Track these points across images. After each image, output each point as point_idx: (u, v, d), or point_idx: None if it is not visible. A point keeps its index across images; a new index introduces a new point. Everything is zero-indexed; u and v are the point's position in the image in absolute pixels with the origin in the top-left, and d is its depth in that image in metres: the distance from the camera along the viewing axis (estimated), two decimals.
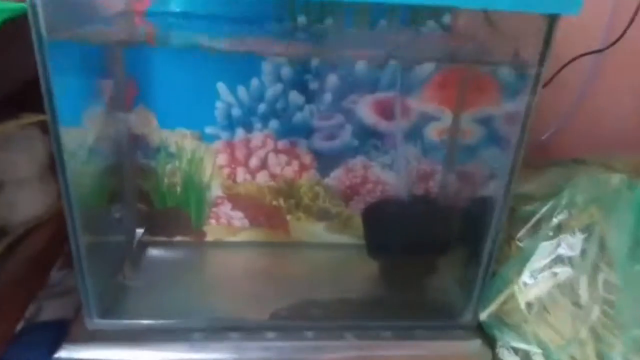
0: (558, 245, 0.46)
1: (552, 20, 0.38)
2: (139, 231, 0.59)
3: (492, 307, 0.51)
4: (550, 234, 0.47)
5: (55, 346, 0.47)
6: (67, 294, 0.57)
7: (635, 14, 0.64)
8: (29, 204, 0.55)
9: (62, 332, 0.51)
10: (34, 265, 0.54)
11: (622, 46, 0.64)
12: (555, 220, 0.48)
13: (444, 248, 0.54)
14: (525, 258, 0.50)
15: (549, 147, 0.74)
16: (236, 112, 0.54)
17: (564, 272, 0.45)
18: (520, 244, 0.51)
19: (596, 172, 0.54)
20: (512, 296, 0.50)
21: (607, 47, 0.64)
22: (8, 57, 0.46)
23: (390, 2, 0.38)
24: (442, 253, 0.54)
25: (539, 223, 0.52)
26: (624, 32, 0.64)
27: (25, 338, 0.49)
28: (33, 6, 0.34)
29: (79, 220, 0.43)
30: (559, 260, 0.46)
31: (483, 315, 0.51)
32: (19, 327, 0.52)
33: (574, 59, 0.64)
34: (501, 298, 0.50)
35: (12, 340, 0.49)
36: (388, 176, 0.58)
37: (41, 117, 0.52)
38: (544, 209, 0.51)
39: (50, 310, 0.54)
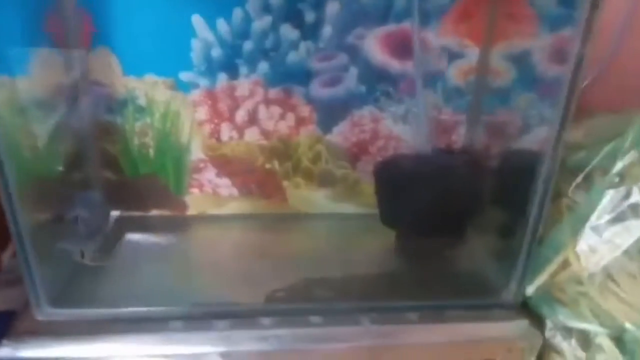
0: (627, 193, 0.37)
1: None
2: (107, 205, 0.50)
3: (541, 280, 0.41)
4: (616, 180, 0.38)
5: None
6: (19, 282, 0.48)
7: None
8: None
9: (11, 324, 0.41)
10: None
11: None
12: (620, 164, 0.38)
13: (475, 211, 0.45)
14: (581, 217, 0.40)
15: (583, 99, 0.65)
16: (217, 52, 0.44)
17: (637, 227, 0.36)
18: (573, 201, 0.42)
19: None
20: (566, 265, 0.41)
21: None
22: None
23: None
24: (474, 217, 0.45)
25: (591, 174, 0.43)
26: None
27: None
28: None
29: (17, 191, 0.34)
30: (629, 214, 0.37)
31: (529, 290, 0.41)
32: None
33: None
34: (552, 267, 0.41)
35: None
36: (403, 130, 0.48)
37: None
38: (600, 156, 0.42)
39: None
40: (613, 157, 0.40)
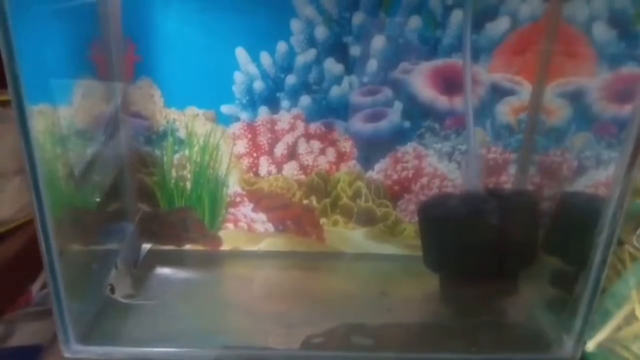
0: None
1: None
2: (140, 238, 0.50)
3: (602, 335, 0.38)
4: None
5: None
6: (47, 315, 0.48)
7: None
8: (5, 203, 0.47)
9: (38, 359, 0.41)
10: (6, 278, 0.45)
11: None
12: None
13: (528, 257, 0.42)
14: None
15: None
16: (259, 85, 0.44)
17: None
18: (637, 249, 0.40)
19: None
20: (631, 320, 0.38)
21: None
22: None
23: None
24: (526, 264, 0.43)
25: None
26: None
27: None
28: None
29: (52, 222, 0.34)
30: None
31: (589, 346, 0.39)
32: None
33: None
34: (615, 322, 0.38)
35: None
36: (448, 168, 0.47)
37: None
38: None
39: (25, 334, 0.44)
40: None
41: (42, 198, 0.34)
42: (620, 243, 0.41)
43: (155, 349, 0.39)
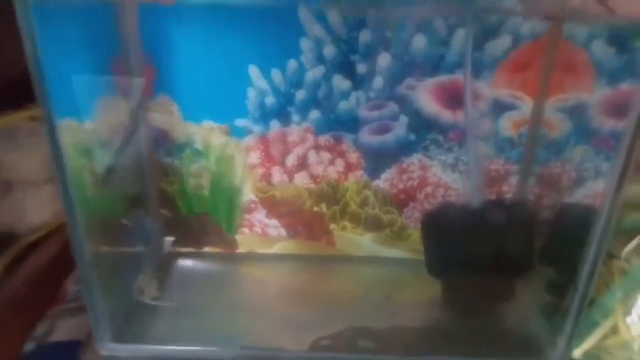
0: None
1: None
2: (164, 240, 0.54)
3: (589, 343, 0.42)
4: None
5: None
6: (83, 311, 0.53)
7: None
8: (39, 208, 0.51)
9: (74, 356, 0.46)
10: (45, 277, 0.49)
11: None
12: None
13: (524, 266, 0.45)
14: (633, 282, 0.40)
15: None
16: (270, 100, 0.47)
17: None
18: (627, 264, 0.42)
19: None
20: (616, 330, 0.41)
21: None
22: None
23: None
24: (522, 272, 0.46)
25: None
26: None
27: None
28: None
29: (83, 228, 0.37)
30: None
31: (576, 353, 0.42)
32: (28, 348, 0.48)
33: None
34: (601, 332, 0.42)
35: None
36: (451, 178, 0.50)
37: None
38: None
39: (64, 330, 0.49)
40: None
41: (72, 204, 0.37)
42: (611, 256, 0.44)
43: (179, 348, 0.43)
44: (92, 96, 0.44)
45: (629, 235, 0.43)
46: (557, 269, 0.45)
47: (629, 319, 0.40)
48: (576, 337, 0.42)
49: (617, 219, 0.40)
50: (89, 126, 0.42)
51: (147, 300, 0.45)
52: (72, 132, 0.38)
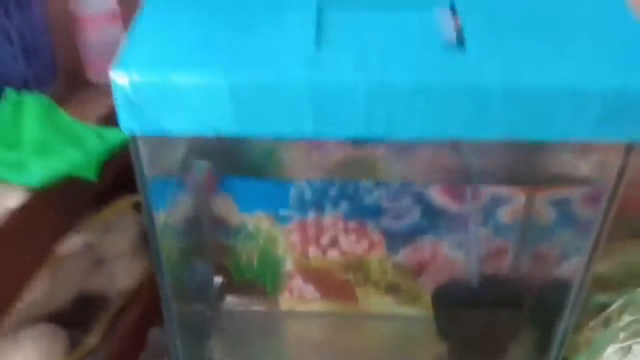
0: (629, 351, 0.48)
1: (629, 146, 0.40)
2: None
3: None
4: (621, 335, 0.49)
5: None
6: (161, 356, 0.66)
7: None
8: (125, 276, 0.63)
9: None
10: (137, 332, 0.62)
11: None
12: (626, 320, 0.49)
13: (512, 332, 0.57)
14: (595, 352, 0.51)
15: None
16: (309, 195, 0.59)
17: None
18: (593, 335, 0.53)
19: None
20: None
21: None
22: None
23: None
24: (511, 337, 0.57)
25: (611, 314, 0.54)
26: None
27: None
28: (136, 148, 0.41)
29: (172, 295, 0.49)
30: None
31: None
32: None
33: None
34: None
35: None
36: (457, 254, 0.61)
37: (135, 199, 0.60)
38: (618, 304, 0.52)
39: None
40: (627, 307, 0.51)
41: (162, 272, 0.48)
42: (584, 325, 0.55)
43: None
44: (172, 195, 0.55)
45: (598, 310, 0.54)
46: (538, 336, 0.56)
47: None
48: None
49: (585, 297, 0.51)
50: (169, 216, 0.54)
51: (216, 357, 0.58)
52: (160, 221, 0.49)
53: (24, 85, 0.49)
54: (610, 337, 0.51)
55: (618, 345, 0.50)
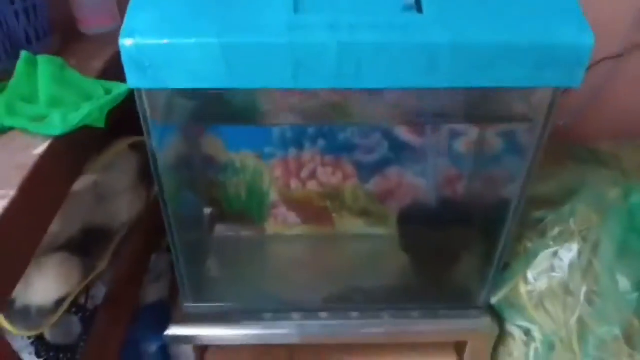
0: (556, 255, 0.59)
1: (556, 90, 0.48)
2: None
3: (502, 294, 0.65)
4: (551, 243, 0.60)
5: (163, 325, 0.65)
6: (161, 278, 0.75)
7: None
8: (126, 209, 0.71)
9: (164, 312, 0.69)
10: (139, 257, 0.71)
11: None
12: (556, 230, 0.60)
13: (464, 244, 0.68)
14: (531, 257, 0.63)
15: (567, 133, 0.84)
16: (289, 134, 0.66)
17: (558, 275, 0.59)
18: (529, 244, 0.65)
19: (600, 178, 0.65)
20: (518, 286, 0.64)
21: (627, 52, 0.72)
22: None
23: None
24: (463, 248, 0.68)
25: (546, 225, 0.65)
26: None
27: (140, 319, 0.67)
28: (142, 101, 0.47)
29: (174, 223, 0.58)
30: (556, 265, 0.60)
31: (494, 299, 0.66)
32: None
33: (594, 64, 0.72)
34: (509, 286, 0.65)
35: (132, 321, 0.67)
36: (420, 182, 0.70)
37: (133, 140, 0.66)
38: (551, 217, 0.63)
39: (153, 294, 0.72)
40: (558, 221, 0.62)
41: (166, 204, 0.56)
42: (523, 236, 0.66)
43: (236, 305, 0.66)
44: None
45: (535, 223, 0.65)
46: (486, 245, 0.67)
47: (525, 279, 0.63)
48: (495, 289, 0.65)
49: (526, 212, 0.62)
50: (168, 155, 0.61)
51: (213, 274, 0.67)
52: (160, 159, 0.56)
53: (26, 42, 0.53)
54: (542, 245, 0.62)
55: (548, 251, 0.62)
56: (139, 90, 0.46)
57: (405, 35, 0.43)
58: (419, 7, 0.44)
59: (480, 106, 0.55)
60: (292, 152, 0.68)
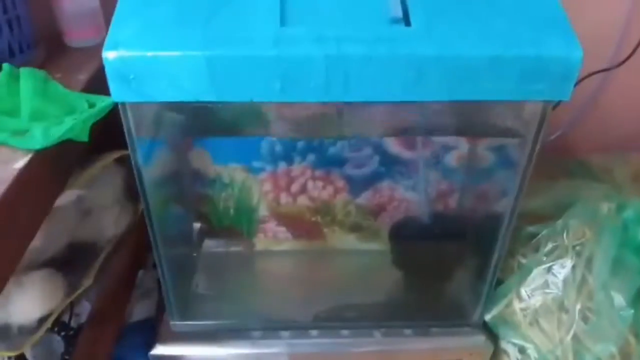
0: (549, 271, 0.59)
1: (545, 104, 0.48)
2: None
3: (496, 311, 0.65)
4: (544, 258, 0.60)
5: (148, 344, 0.64)
6: (147, 295, 0.74)
7: None
8: (112, 225, 0.70)
9: (150, 330, 0.67)
10: (126, 273, 0.70)
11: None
12: (550, 246, 0.60)
13: (457, 259, 0.67)
14: (524, 273, 0.63)
15: (558, 146, 0.84)
16: (279, 148, 0.65)
17: (552, 292, 0.58)
18: (523, 260, 0.64)
19: (592, 192, 0.65)
20: (512, 303, 0.64)
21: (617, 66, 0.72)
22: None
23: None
24: (456, 264, 0.68)
25: (539, 241, 0.65)
26: (633, 52, 0.71)
27: (125, 338, 0.66)
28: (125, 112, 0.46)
29: (160, 240, 0.57)
30: (550, 281, 0.59)
31: (487, 317, 0.65)
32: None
33: (584, 78, 0.73)
34: (503, 303, 0.64)
35: (117, 340, 0.65)
36: (411, 196, 0.70)
37: (119, 154, 0.66)
38: (544, 232, 0.63)
39: (139, 311, 0.71)
40: (550, 236, 0.62)
41: (152, 219, 0.55)
42: (517, 252, 0.66)
43: (224, 322, 0.65)
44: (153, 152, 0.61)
45: (528, 238, 0.65)
46: (479, 261, 0.66)
47: (519, 296, 0.62)
48: (489, 306, 0.64)
49: (518, 227, 0.61)
50: (153, 170, 0.60)
51: (201, 291, 0.66)
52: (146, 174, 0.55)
53: (9, 54, 0.53)
54: (536, 261, 0.62)
55: (542, 267, 0.61)
56: (123, 103, 0.46)
57: (393, 47, 0.43)
58: (406, 20, 0.44)
59: (471, 120, 0.55)
60: (282, 165, 0.67)
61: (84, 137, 0.49)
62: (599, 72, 0.73)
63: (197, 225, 0.73)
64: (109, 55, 0.42)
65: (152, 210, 0.54)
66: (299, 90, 0.45)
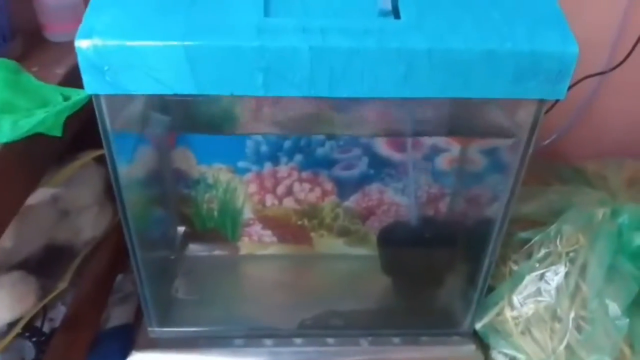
0: (542, 278, 0.57)
1: (540, 103, 0.46)
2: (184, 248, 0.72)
3: (486, 319, 0.63)
4: (537, 265, 0.58)
5: (125, 351, 0.61)
6: (126, 300, 0.72)
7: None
8: (90, 226, 0.68)
9: (128, 337, 0.65)
10: (104, 277, 0.67)
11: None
12: (542, 252, 0.58)
13: (447, 266, 0.65)
14: (516, 280, 0.61)
15: (552, 151, 0.83)
16: (264, 148, 0.64)
17: (545, 300, 0.56)
18: (515, 267, 0.62)
19: (586, 198, 0.64)
20: (504, 311, 0.62)
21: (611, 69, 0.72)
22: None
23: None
24: (446, 270, 0.66)
25: (532, 247, 0.63)
26: (628, 55, 0.71)
27: (101, 344, 0.63)
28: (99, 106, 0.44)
29: (137, 243, 0.54)
30: (542, 289, 0.57)
31: (478, 325, 0.63)
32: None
33: (578, 81, 0.72)
34: (494, 311, 0.62)
35: (92, 347, 0.63)
36: (401, 199, 0.68)
37: (97, 153, 0.64)
38: (536, 238, 0.61)
39: (117, 317, 0.68)
40: (543, 242, 0.60)
41: (128, 222, 0.53)
42: (508, 258, 0.64)
43: (205, 329, 0.62)
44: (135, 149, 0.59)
45: (520, 244, 0.63)
46: (470, 267, 0.64)
47: (511, 303, 0.60)
48: (479, 314, 0.62)
49: (510, 233, 0.60)
50: (132, 170, 0.58)
51: (181, 296, 0.64)
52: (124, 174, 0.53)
53: None
54: (529, 267, 0.60)
55: (534, 273, 0.59)
56: (97, 96, 0.44)
57: (382, 40, 0.41)
58: (396, 13, 0.43)
59: (463, 119, 0.53)
60: (268, 166, 0.65)
61: (57, 132, 0.47)
62: (593, 75, 0.72)
63: (180, 229, 0.72)
64: (82, 44, 0.40)
65: (127, 210, 0.52)
66: (283, 84, 0.43)
